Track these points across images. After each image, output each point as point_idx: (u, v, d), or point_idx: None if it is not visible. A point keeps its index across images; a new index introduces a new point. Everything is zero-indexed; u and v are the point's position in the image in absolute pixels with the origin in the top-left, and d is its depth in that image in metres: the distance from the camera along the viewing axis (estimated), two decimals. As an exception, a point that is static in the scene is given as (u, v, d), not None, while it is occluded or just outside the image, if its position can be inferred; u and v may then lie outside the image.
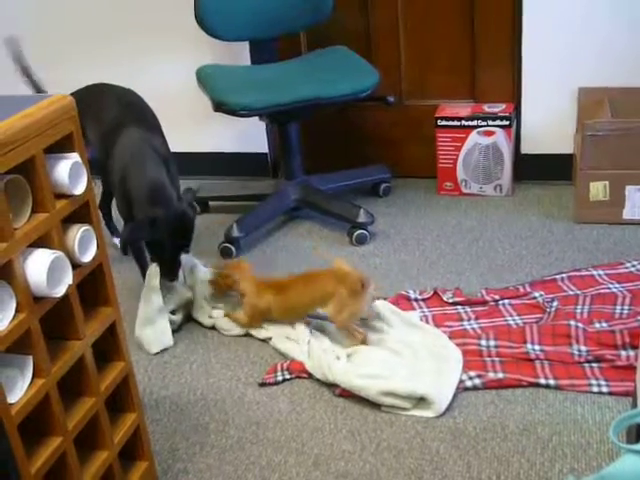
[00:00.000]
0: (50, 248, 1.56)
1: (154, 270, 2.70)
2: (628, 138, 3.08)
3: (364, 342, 2.52)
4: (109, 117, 2.83)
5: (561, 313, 2.57)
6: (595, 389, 2.28)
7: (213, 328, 2.77)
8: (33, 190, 1.54)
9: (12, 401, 1.48)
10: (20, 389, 1.52)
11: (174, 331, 2.75)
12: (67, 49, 3.75)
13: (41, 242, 1.55)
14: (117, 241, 3.33)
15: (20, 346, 1.51)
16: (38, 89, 3.04)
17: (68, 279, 1.59)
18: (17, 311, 1.49)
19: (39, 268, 1.51)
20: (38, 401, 1.56)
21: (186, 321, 2.82)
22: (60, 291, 1.57)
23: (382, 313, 2.62)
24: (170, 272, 2.76)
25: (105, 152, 2.79)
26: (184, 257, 2.81)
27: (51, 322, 1.62)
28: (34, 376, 1.55)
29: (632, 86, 3.33)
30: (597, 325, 2.49)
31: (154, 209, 2.63)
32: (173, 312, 2.79)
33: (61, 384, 1.63)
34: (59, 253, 1.56)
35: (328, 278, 2.59)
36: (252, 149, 3.94)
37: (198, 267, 2.90)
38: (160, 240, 2.67)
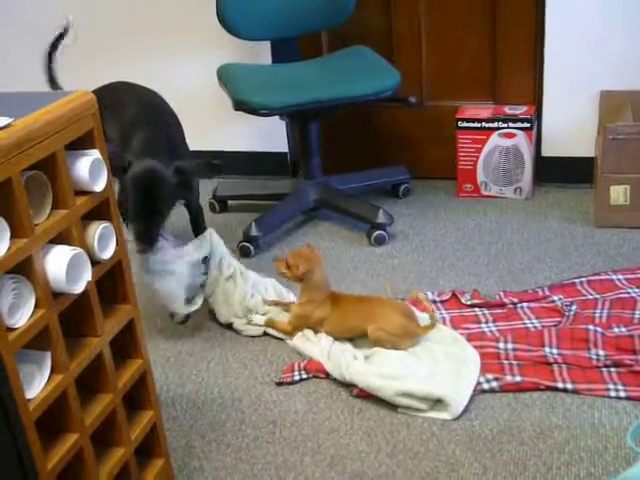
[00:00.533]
0: (70, 244, 1.57)
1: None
2: (650, 142, 3.06)
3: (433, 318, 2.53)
4: (128, 115, 2.84)
5: (580, 317, 2.56)
6: (613, 394, 2.27)
7: (229, 327, 2.77)
8: (53, 186, 1.54)
9: (30, 397, 1.49)
10: (38, 385, 1.53)
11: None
12: (89, 48, 3.76)
13: (61, 238, 1.56)
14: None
15: (39, 342, 1.52)
16: (53, 82, 3.06)
17: (87, 276, 1.60)
18: (36, 307, 1.49)
19: (59, 264, 1.51)
20: (56, 397, 1.56)
21: (205, 319, 2.83)
22: (79, 287, 1.57)
23: None
24: (139, 239, 2.54)
25: (122, 150, 2.80)
26: (215, 243, 2.75)
27: (70, 319, 1.62)
28: (52, 372, 1.56)
29: (654, 90, 3.32)
30: (616, 330, 2.48)
31: (130, 158, 2.51)
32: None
33: (79, 381, 1.63)
34: (79, 250, 1.56)
35: (386, 306, 2.56)
36: (272, 148, 3.94)
37: (226, 259, 2.81)
38: (127, 194, 2.50)
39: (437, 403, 2.28)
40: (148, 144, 2.64)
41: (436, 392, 2.26)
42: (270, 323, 2.70)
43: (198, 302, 2.74)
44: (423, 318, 2.58)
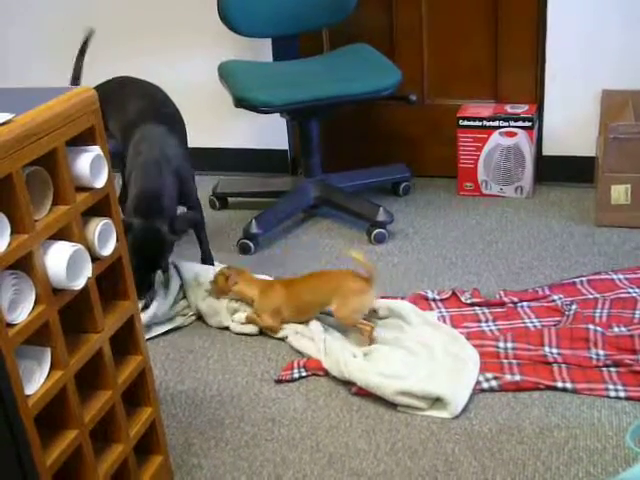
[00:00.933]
0: (70, 241, 1.56)
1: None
2: (651, 142, 3.06)
3: (372, 336, 2.53)
4: (130, 110, 2.84)
5: (580, 317, 2.55)
6: (612, 394, 2.27)
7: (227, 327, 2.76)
8: (54, 182, 1.54)
9: (29, 393, 1.49)
10: (37, 381, 1.52)
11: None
12: (91, 44, 3.76)
13: (61, 235, 1.56)
14: None
15: (38, 338, 1.52)
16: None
17: (87, 272, 1.59)
18: (36, 303, 1.49)
19: (59, 260, 1.51)
20: (55, 393, 1.56)
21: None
22: (79, 284, 1.57)
23: (403, 311, 2.61)
24: (137, 289, 2.67)
25: (124, 145, 2.80)
26: (185, 269, 2.84)
27: (70, 315, 1.62)
28: (52, 368, 1.56)
29: (656, 89, 3.32)
30: (616, 329, 2.47)
31: (132, 216, 2.62)
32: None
33: (78, 377, 1.63)
34: (79, 246, 1.56)
35: (334, 274, 2.65)
36: (272, 146, 3.94)
37: (201, 274, 2.87)
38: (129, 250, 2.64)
39: (436, 402, 2.28)
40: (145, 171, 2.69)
41: (435, 391, 2.26)
42: (251, 319, 2.71)
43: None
44: (426, 315, 2.60)
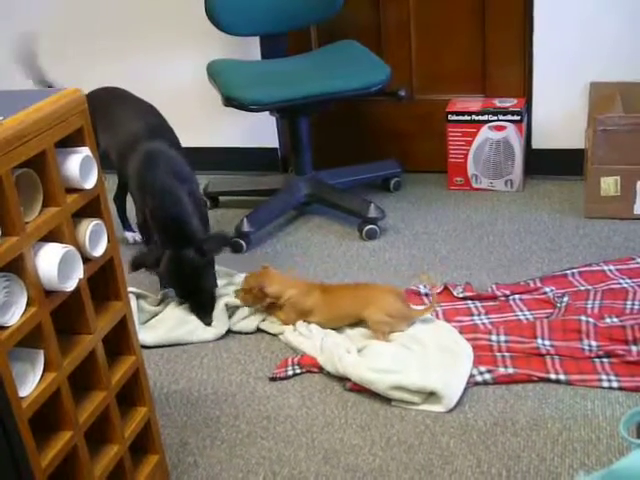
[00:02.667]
0: (61, 242, 1.56)
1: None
2: (639, 133, 3.07)
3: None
4: (129, 128, 2.83)
5: (572, 308, 2.56)
6: (605, 384, 2.28)
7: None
8: (44, 184, 1.54)
9: (23, 395, 1.49)
10: (31, 383, 1.52)
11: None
12: (77, 44, 3.76)
13: (52, 236, 1.56)
14: (128, 235, 3.34)
15: (31, 340, 1.52)
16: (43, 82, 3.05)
17: (79, 273, 1.59)
18: (28, 305, 1.49)
19: (50, 262, 1.51)
20: (49, 395, 1.56)
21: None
22: (71, 285, 1.57)
23: None
24: (199, 314, 2.73)
25: (124, 159, 2.79)
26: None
27: (62, 316, 1.62)
28: (45, 370, 1.56)
29: (644, 81, 3.33)
30: (608, 320, 2.48)
31: (162, 248, 2.67)
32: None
33: (72, 378, 1.63)
34: (70, 247, 1.56)
35: (376, 289, 2.63)
36: (262, 144, 3.94)
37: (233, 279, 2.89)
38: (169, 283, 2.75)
39: (430, 396, 2.28)
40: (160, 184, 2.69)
41: (429, 385, 2.26)
42: (271, 313, 2.71)
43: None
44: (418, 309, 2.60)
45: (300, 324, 2.63)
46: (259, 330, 2.70)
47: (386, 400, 2.31)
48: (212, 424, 2.30)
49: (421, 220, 3.38)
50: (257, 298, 2.67)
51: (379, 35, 3.66)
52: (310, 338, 2.56)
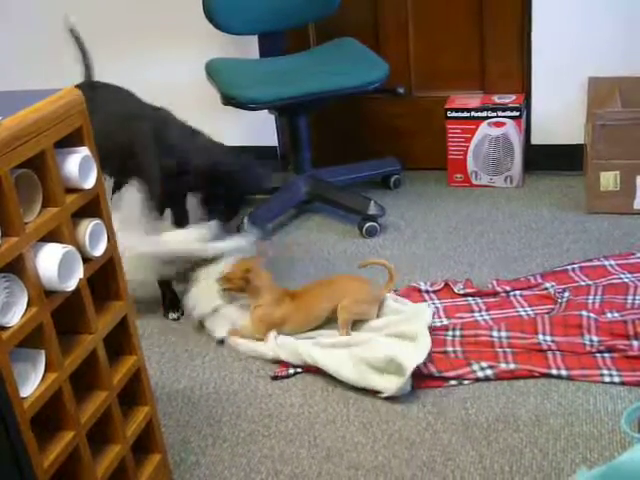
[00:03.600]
0: (61, 242, 1.56)
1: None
2: (638, 128, 3.07)
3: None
4: (122, 110, 2.83)
5: (573, 304, 2.56)
6: (607, 379, 2.28)
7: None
8: (43, 184, 1.54)
9: (25, 395, 1.49)
10: (32, 383, 1.52)
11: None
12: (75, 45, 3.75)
13: (52, 236, 1.55)
14: None
15: (32, 340, 1.52)
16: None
17: (79, 273, 1.59)
18: (29, 305, 1.49)
19: (50, 262, 1.51)
20: (50, 395, 1.56)
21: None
22: (71, 285, 1.57)
23: None
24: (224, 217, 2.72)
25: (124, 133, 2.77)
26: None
27: (63, 316, 1.62)
28: (46, 370, 1.56)
29: (642, 75, 3.32)
30: (609, 315, 2.48)
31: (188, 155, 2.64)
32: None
33: (73, 378, 1.63)
34: (70, 247, 1.56)
35: (340, 278, 2.66)
36: (261, 142, 3.93)
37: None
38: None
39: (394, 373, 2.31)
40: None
41: (396, 357, 2.29)
42: (233, 333, 2.64)
43: None
44: (415, 307, 2.61)
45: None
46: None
47: (388, 398, 2.30)
48: (214, 423, 2.30)
49: (421, 217, 3.38)
50: (236, 286, 2.61)
51: (377, 32, 3.66)
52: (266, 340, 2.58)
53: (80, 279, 1.60)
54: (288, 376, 2.46)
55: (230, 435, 2.24)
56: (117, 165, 2.78)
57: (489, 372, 2.34)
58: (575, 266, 2.81)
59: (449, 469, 2.03)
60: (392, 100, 3.61)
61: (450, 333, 2.50)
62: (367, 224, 3.24)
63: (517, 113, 3.43)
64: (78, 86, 2.83)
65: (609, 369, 2.30)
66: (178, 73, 3.82)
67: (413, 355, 2.31)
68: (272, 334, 2.56)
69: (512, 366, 2.35)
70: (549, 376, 2.32)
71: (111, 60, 3.80)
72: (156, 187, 2.64)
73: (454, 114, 3.51)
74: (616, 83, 3.32)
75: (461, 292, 2.73)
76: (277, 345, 2.52)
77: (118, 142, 2.74)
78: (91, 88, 2.94)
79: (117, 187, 3.27)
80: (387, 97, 3.57)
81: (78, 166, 1.59)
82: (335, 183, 3.46)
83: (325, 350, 2.45)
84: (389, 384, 2.29)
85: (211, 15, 3.32)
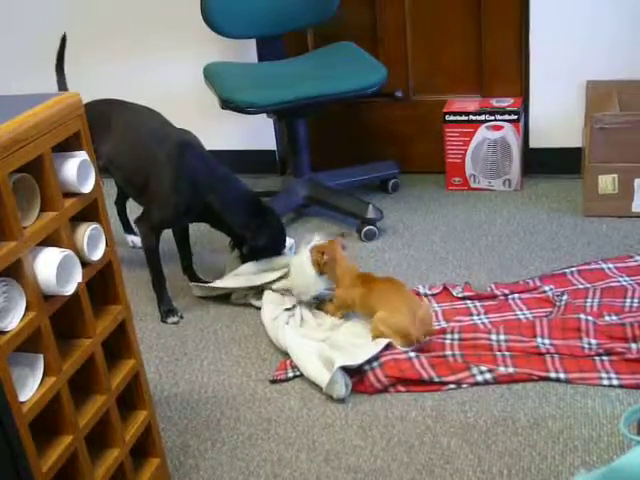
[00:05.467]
0: (59, 246, 1.56)
1: None
2: (637, 131, 3.07)
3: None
4: (144, 128, 2.85)
5: (571, 307, 2.56)
6: (606, 382, 2.28)
7: (223, 323, 2.77)
8: (41, 189, 1.54)
9: (23, 399, 1.49)
10: (31, 388, 1.52)
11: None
12: (74, 47, 3.75)
13: (50, 241, 1.56)
14: (128, 238, 3.34)
15: (30, 344, 1.52)
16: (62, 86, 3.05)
17: (78, 277, 1.59)
18: (27, 310, 1.49)
19: (48, 266, 1.51)
20: (49, 399, 1.56)
21: (198, 318, 2.83)
22: (70, 289, 1.57)
23: None
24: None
25: (149, 157, 2.79)
26: None
27: (61, 320, 1.62)
28: (45, 374, 1.56)
29: (640, 79, 3.33)
30: (607, 318, 2.48)
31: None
32: None
33: (72, 382, 1.63)
34: (68, 251, 1.56)
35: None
36: (260, 146, 3.94)
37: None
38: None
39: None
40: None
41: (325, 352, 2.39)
42: (321, 308, 2.75)
43: None
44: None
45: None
46: (258, 332, 2.71)
47: (387, 401, 2.31)
48: (213, 427, 2.30)
49: (420, 221, 3.38)
50: (320, 266, 2.69)
51: (375, 36, 3.67)
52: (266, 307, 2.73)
53: (79, 283, 1.60)
54: (287, 379, 2.46)
55: (229, 439, 2.24)
56: (140, 182, 2.81)
57: (488, 376, 2.34)
58: (573, 269, 2.81)
59: (448, 472, 2.03)
60: (390, 104, 3.61)
61: (449, 337, 2.49)
62: (365, 228, 3.24)
63: (515, 117, 3.43)
64: (93, 103, 2.87)
65: (608, 372, 2.30)
66: (176, 77, 3.82)
67: (349, 355, 2.37)
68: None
69: (511, 370, 2.35)
70: (548, 379, 2.32)
71: (109, 64, 3.81)
72: (168, 211, 2.77)
73: (452, 118, 3.51)
74: (614, 86, 3.32)
75: (460, 295, 2.73)
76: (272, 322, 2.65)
77: (148, 161, 2.79)
78: (109, 104, 2.94)
79: (122, 198, 3.29)
80: (385, 101, 3.57)
81: (76, 170, 1.60)
82: (334, 187, 3.47)
83: (299, 340, 2.52)
84: (321, 377, 2.36)
85: (209, 19, 3.32)
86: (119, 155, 2.84)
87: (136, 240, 3.29)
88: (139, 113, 2.92)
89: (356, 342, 2.48)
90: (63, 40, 3.00)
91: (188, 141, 2.80)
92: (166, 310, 2.85)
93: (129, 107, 2.94)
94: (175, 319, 2.83)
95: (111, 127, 2.86)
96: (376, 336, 2.47)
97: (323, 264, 2.66)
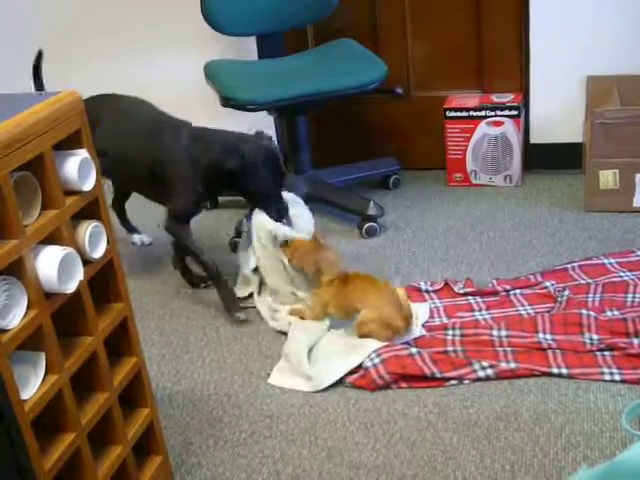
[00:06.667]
0: (60, 244, 1.56)
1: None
2: (637, 126, 3.07)
3: None
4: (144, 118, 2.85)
5: (572, 302, 2.56)
6: (607, 377, 2.28)
7: (224, 321, 2.77)
8: (42, 187, 1.54)
9: (25, 397, 1.49)
10: (33, 386, 1.53)
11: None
12: (74, 45, 3.76)
13: (51, 239, 1.56)
14: (136, 237, 3.33)
15: (32, 342, 1.52)
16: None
17: (79, 275, 1.60)
18: (29, 308, 1.49)
19: (50, 264, 1.51)
20: (51, 397, 1.56)
21: (200, 315, 2.83)
22: (71, 287, 1.57)
23: None
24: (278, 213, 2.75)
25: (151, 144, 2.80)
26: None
27: (63, 318, 1.62)
28: (47, 372, 1.56)
29: (641, 74, 3.33)
30: (609, 313, 2.48)
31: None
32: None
33: (74, 380, 1.63)
34: (69, 249, 1.56)
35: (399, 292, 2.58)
36: (261, 144, 3.93)
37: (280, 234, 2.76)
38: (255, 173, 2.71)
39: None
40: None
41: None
42: (295, 312, 2.68)
43: None
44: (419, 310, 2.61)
45: None
46: (260, 329, 2.71)
47: (388, 397, 2.31)
48: (215, 424, 2.30)
49: (421, 217, 3.38)
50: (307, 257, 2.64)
51: (375, 33, 3.66)
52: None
53: (80, 281, 1.60)
54: (289, 377, 2.46)
55: (231, 436, 2.25)
56: (145, 175, 2.81)
57: (490, 371, 2.34)
58: (575, 264, 2.81)
59: (450, 468, 2.03)
60: (391, 100, 3.60)
61: (450, 332, 2.50)
62: (367, 224, 3.24)
63: (516, 112, 3.43)
64: (91, 98, 2.87)
65: (609, 367, 2.30)
66: (177, 75, 3.82)
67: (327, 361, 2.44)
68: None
69: (513, 365, 2.35)
70: (549, 375, 2.32)
71: (110, 62, 3.81)
72: (188, 196, 2.75)
73: (453, 114, 3.51)
74: (615, 81, 3.32)
75: (461, 291, 2.73)
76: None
77: (149, 152, 2.79)
78: (101, 100, 2.93)
79: (120, 196, 3.28)
80: (386, 97, 3.56)
81: (77, 168, 1.60)
82: (334, 183, 3.47)
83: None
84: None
85: (209, 17, 3.33)
86: (118, 149, 2.84)
87: (144, 238, 3.29)
88: (131, 104, 2.92)
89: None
90: (39, 55, 2.94)
91: (186, 122, 2.85)
92: (233, 306, 2.78)
93: (120, 99, 2.94)
94: (242, 316, 2.77)
95: (104, 122, 2.85)
96: (362, 335, 2.48)
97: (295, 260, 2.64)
